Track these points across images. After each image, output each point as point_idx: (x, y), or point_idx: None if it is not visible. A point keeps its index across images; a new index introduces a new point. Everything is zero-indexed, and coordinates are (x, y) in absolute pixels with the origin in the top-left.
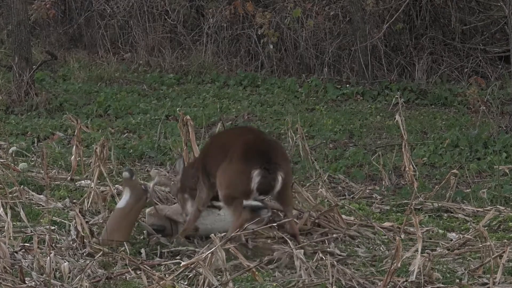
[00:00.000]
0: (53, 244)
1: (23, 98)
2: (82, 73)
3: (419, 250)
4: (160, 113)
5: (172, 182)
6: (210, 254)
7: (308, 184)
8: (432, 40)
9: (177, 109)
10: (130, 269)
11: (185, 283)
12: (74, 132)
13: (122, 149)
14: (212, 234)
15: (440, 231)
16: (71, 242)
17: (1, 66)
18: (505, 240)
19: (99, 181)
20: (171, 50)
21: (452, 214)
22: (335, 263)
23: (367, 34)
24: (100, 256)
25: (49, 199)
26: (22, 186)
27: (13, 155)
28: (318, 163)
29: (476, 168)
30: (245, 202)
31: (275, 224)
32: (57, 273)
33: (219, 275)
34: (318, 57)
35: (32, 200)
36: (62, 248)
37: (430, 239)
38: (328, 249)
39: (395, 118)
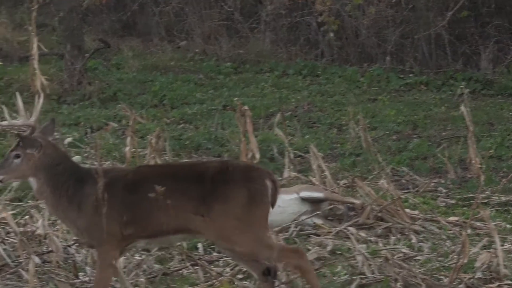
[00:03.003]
0: None
1: (76, 87)
2: (136, 62)
3: (498, 243)
4: (217, 103)
5: None
6: None
7: (370, 177)
8: (498, 28)
9: (235, 99)
10: (188, 264)
11: (244, 279)
12: (128, 122)
13: (178, 140)
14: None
15: (508, 226)
16: None
17: (53, 54)
18: None
19: None
20: (228, 38)
21: None
22: (398, 259)
23: (431, 22)
24: (156, 251)
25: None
26: None
27: (67, 146)
28: (380, 155)
29: None
30: (306, 194)
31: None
32: None
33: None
34: (380, 46)
35: None
36: None
37: (498, 234)
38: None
39: (460, 109)
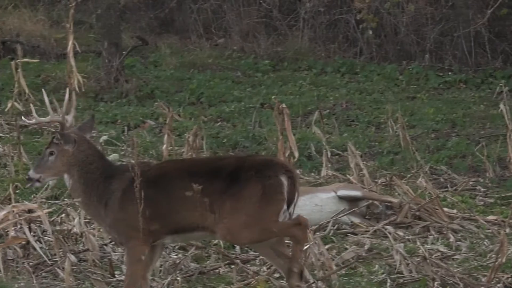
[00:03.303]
0: None
1: (113, 85)
2: (173, 59)
3: None
4: (255, 101)
5: None
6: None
7: (408, 175)
8: None
9: (273, 97)
10: (223, 264)
11: (280, 278)
12: (166, 120)
13: (215, 138)
14: None
15: None
16: None
17: (90, 52)
18: None
19: None
20: (266, 36)
21: None
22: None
23: (470, 19)
24: (193, 250)
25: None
26: None
27: (103, 144)
28: (419, 154)
29: None
30: (344, 192)
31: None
32: None
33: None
34: (419, 43)
35: None
36: None
37: None
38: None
39: (499, 107)
